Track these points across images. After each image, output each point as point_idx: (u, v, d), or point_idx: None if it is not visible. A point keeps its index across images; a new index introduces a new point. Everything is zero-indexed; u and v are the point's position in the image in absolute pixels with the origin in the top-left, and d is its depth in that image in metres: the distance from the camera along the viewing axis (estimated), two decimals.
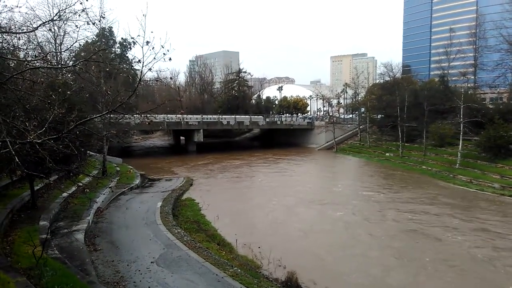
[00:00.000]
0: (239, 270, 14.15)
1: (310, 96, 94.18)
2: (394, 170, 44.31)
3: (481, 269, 16.67)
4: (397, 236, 20.98)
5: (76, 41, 35.04)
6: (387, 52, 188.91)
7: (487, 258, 17.77)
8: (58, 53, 34.29)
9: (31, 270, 11.06)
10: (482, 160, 38.66)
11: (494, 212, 26.06)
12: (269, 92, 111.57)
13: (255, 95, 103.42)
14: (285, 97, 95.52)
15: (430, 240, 20.41)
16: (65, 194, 20.24)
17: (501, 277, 15.95)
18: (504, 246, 19.38)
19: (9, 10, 10.73)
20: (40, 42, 32.38)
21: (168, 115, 56.59)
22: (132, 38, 7.36)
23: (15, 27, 13.93)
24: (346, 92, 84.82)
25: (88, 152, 25.96)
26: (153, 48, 6.90)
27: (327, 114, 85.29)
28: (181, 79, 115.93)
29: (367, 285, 15.20)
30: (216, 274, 13.30)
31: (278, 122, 74.80)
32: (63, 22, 23.92)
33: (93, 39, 46.39)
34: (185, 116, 62.52)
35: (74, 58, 39.88)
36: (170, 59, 7.33)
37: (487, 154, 38.33)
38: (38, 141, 7.04)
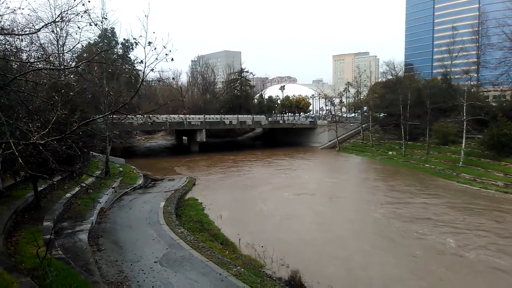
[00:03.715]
0: (242, 270, 14.15)
1: (313, 95, 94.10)
2: (392, 167, 44.66)
3: (377, 225, 22.80)
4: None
5: (78, 42, 35.27)
6: (389, 50, 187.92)
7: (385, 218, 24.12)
8: (61, 54, 34.41)
9: (35, 270, 11.13)
10: (486, 158, 38.53)
11: (437, 194, 30.74)
12: (271, 91, 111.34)
13: (257, 95, 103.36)
14: (287, 97, 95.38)
15: (354, 211, 26.96)
16: (68, 195, 20.39)
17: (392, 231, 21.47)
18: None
19: (11, 12, 10.82)
20: (43, 43, 32.49)
21: (171, 115, 56.65)
22: (134, 39, 7.40)
23: (18, 29, 14.01)
24: (349, 91, 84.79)
25: (91, 152, 26.07)
26: (155, 49, 6.91)
27: (329, 113, 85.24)
28: (183, 79, 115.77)
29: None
30: (220, 274, 13.31)
31: (281, 122, 74.72)
32: (66, 23, 24.03)
33: (95, 40, 46.54)
34: (187, 116, 62.42)
35: (76, 59, 40.17)
36: (172, 59, 7.32)
37: (491, 152, 38.18)
38: (41, 142, 7.07)
